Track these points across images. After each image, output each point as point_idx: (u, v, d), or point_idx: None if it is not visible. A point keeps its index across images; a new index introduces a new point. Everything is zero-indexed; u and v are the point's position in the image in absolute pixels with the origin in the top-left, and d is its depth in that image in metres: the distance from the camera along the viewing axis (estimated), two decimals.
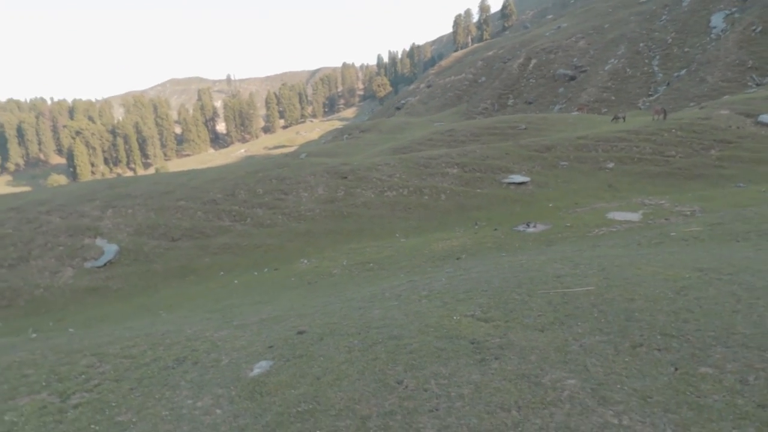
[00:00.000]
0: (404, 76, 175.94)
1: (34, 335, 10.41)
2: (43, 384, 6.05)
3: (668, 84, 53.29)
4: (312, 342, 6.44)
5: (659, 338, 5.10)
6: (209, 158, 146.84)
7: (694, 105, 41.96)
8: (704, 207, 17.47)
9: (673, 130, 29.05)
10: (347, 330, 6.81)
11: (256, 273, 18.26)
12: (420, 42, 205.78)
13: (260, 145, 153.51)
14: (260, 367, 5.74)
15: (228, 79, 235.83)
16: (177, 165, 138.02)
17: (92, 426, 4.84)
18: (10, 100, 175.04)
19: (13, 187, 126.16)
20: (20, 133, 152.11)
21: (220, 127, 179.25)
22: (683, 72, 53.21)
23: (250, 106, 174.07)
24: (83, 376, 6.22)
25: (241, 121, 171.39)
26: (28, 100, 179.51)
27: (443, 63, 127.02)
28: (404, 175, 27.72)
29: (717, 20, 57.17)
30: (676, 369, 4.44)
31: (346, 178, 27.49)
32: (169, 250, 20.81)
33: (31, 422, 5.05)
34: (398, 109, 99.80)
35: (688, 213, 16.96)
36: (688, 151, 26.86)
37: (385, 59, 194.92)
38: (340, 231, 22.80)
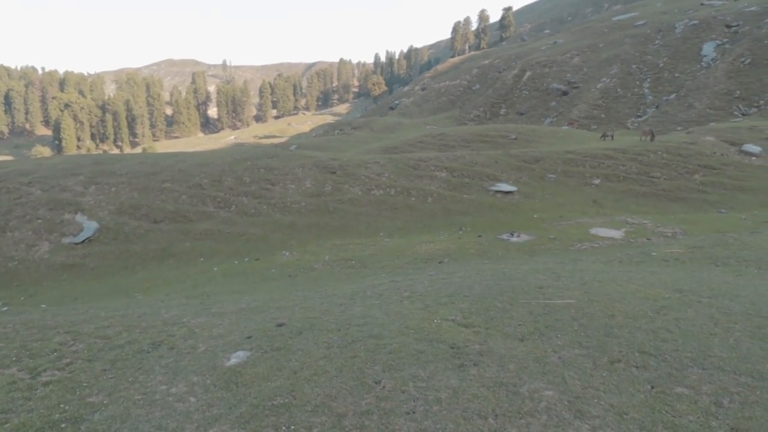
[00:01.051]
0: (400, 77, 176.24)
1: (4, 308, 10.05)
2: (14, 359, 5.87)
3: (657, 107, 54.60)
4: (291, 335, 6.35)
5: (637, 356, 5.18)
6: (198, 142, 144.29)
7: (681, 129, 43.06)
8: (686, 230, 17.92)
9: (660, 152, 29.75)
10: (327, 326, 6.75)
11: (236, 262, 17.99)
12: (418, 45, 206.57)
13: (250, 134, 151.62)
14: (237, 357, 5.63)
15: (224, 65, 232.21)
16: (165, 146, 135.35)
17: (62, 405, 4.70)
18: (0, 67, 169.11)
19: None
20: (8, 101, 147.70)
21: (212, 111, 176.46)
22: (672, 96, 54.58)
23: (243, 94, 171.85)
24: (55, 353, 6.05)
25: (234, 107, 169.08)
26: (18, 68, 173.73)
27: (439, 67, 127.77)
28: (393, 175, 27.70)
29: (708, 49, 58.85)
30: (653, 387, 4.51)
31: (334, 173, 27.33)
32: (150, 232, 20.32)
33: None
34: (392, 109, 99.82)
35: (670, 234, 17.38)
36: (673, 173, 27.54)
37: (383, 59, 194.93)
38: (324, 226, 22.64)
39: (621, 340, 5.60)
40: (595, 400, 4.31)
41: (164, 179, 24.47)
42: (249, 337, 6.37)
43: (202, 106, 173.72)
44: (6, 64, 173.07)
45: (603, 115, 57.76)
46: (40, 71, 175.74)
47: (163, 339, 6.48)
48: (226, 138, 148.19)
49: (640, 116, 55.07)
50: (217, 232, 20.90)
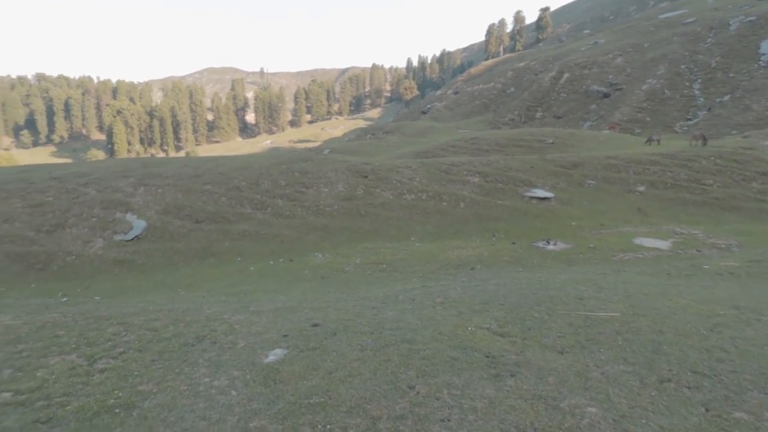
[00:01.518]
0: (432, 80, 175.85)
1: (64, 299, 10.76)
2: (73, 346, 6.27)
3: (709, 109, 51.47)
4: (325, 336, 6.45)
5: (690, 375, 4.87)
6: (236, 146, 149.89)
7: (736, 133, 40.38)
8: (741, 242, 16.73)
9: (712, 158, 27.99)
10: (360, 328, 6.80)
11: (271, 262, 18.46)
12: (451, 48, 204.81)
13: (286, 138, 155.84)
14: (275, 355, 5.78)
15: (261, 72, 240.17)
16: (206, 150, 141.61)
17: (116, 392, 4.98)
18: (60, 77, 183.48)
19: (56, 157, 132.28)
20: (67, 108, 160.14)
21: (250, 117, 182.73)
22: (726, 98, 51.29)
23: (279, 99, 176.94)
24: (110, 342, 6.42)
25: (270, 113, 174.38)
26: (76, 78, 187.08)
27: (472, 70, 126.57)
28: (424, 179, 27.53)
29: (767, 47, 54.94)
30: (707, 410, 4.22)
31: (366, 177, 27.50)
32: (193, 232, 21.26)
33: (60, 381, 5.22)
34: (424, 113, 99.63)
35: (723, 246, 16.27)
36: (728, 181, 25.81)
37: (415, 63, 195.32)
38: (356, 229, 22.80)
39: (671, 358, 5.29)
40: (643, 421, 4.07)
41: (206, 182, 25.53)
42: (285, 336, 6.52)
43: (240, 111, 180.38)
44: (65, 74, 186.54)
45: (648, 119, 55.08)
46: (95, 80, 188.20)
47: (206, 334, 6.75)
48: (263, 142, 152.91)
49: (690, 119, 52.11)
50: (254, 233, 21.55)
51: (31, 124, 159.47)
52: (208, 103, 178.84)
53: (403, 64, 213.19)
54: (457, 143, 42.03)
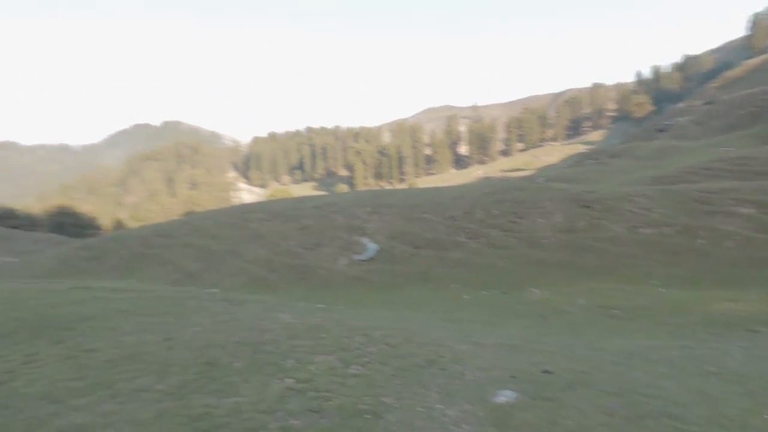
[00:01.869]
0: (671, 92, 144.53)
1: (320, 306, 13.50)
2: (332, 348, 7.34)
3: None
4: (560, 388, 5.87)
5: None
6: (450, 177, 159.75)
7: None
8: None
9: None
10: (602, 386, 5.93)
11: (485, 293, 18.45)
12: (694, 52, 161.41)
13: (497, 168, 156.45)
14: (505, 396, 5.61)
15: (473, 107, 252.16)
16: (424, 182, 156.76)
17: (364, 397, 5.47)
18: (321, 128, 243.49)
19: (316, 190, 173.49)
20: (324, 152, 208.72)
21: (462, 149, 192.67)
22: None
23: (490, 131, 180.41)
24: (358, 350, 7.30)
25: (481, 144, 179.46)
26: (331, 127, 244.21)
27: (729, 74, 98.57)
28: (668, 210, 23.00)
29: None
30: None
31: (589, 207, 24.76)
32: (413, 256, 23.54)
33: (323, 378, 6.13)
34: (661, 131, 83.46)
35: None
36: None
37: (646, 74, 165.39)
38: (578, 265, 20.62)
39: None
40: None
41: (424, 210, 28.02)
42: (513, 377, 6.27)
43: (454, 145, 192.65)
44: (324, 125, 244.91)
45: None
46: (343, 128, 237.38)
47: (435, 358, 7.09)
48: (475, 173, 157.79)
49: None
50: (468, 262, 22.14)
51: (301, 165, 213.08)
52: (426, 139, 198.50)
53: (629, 79, 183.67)
54: (713, 165, 33.56)
